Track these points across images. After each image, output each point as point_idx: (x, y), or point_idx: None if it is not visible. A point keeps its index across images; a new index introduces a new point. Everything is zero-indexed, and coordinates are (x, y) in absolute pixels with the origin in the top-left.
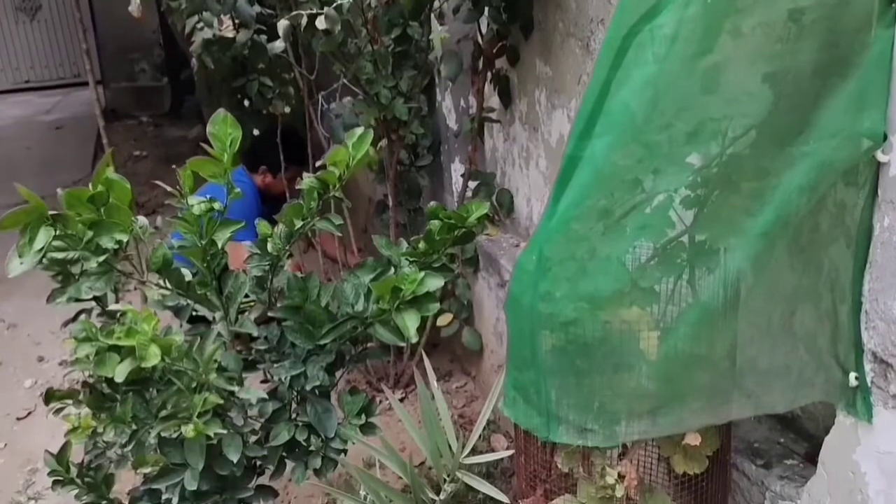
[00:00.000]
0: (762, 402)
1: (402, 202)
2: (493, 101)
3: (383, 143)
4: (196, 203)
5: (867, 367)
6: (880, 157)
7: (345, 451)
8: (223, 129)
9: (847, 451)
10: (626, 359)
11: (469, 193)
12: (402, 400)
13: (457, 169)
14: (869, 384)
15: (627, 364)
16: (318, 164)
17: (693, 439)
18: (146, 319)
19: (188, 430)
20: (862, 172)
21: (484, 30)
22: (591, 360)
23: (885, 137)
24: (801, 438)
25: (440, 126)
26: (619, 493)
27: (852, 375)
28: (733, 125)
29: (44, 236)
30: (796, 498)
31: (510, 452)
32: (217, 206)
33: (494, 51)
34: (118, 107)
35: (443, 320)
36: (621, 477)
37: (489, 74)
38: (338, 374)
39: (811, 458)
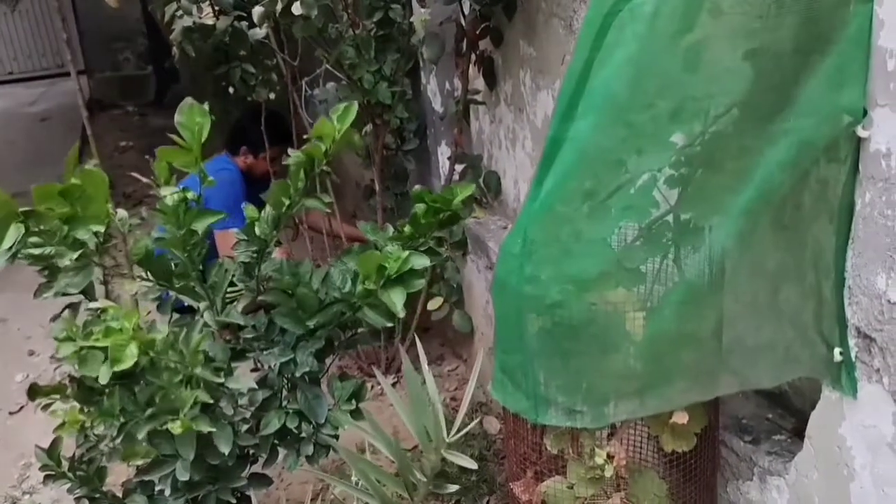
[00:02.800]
0: (748, 379)
1: (388, 186)
2: (478, 82)
3: (368, 128)
4: (170, 193)
5: (851, 342)
6: (860, 132)
7: (336, 437)
8: (191, 119)
9: (833, 426)
10: (612, 340)
11: (456, 176)
12: (394, 384)
13: (443, 152)
14: (853, 359)
15: (614, 345)
16: (305, 137)
17: (681, 418)
18: (127, 316)
19: (175, 427)
20: (843, 148)
21: (466, 11)
22: (578, 342)
23: (865, 113)
24: (788, 414)
25: (426, 109)
26: (609, 472)
27: (837, 351)
28: (715, 103)
29: (14, 233)
30: (784, 473)
31: (476, 421)
32: (191, 195)
33: (478, 32)
34: (103, 96)
35: (433, 304)
36: (610, 457)
37: (473, 56)
38: (328, 360)
39: (798, 433)
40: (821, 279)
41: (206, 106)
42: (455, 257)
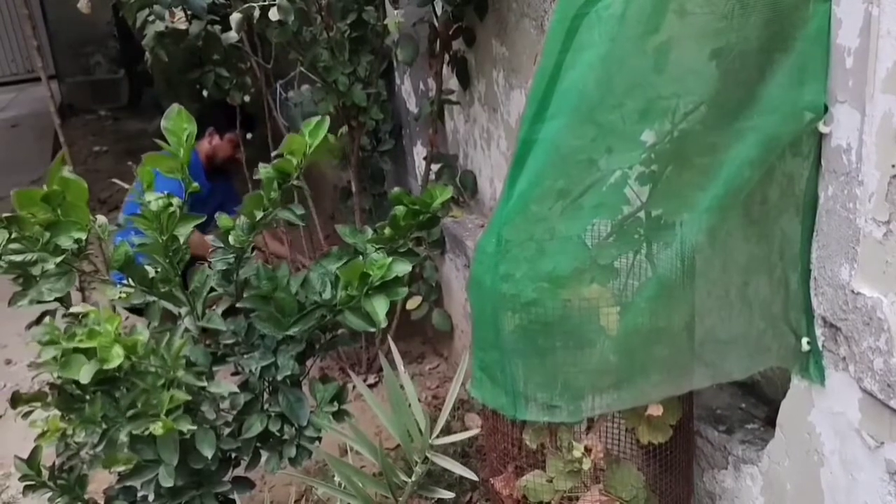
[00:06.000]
0: (720, 371)
1: (365, 188)
2: (452, 82)
3: (344, 129)
4: (153, 199)
5: (818, 331)
6: (822, 128)
7: (318, 439)
8: (178, 124)
9: (802, 414)
10: (587, 335)
11: (432, 176)
12: (375, 384)
13: (419, 152)
14: (820, 348)
15: (589, 340)
16: (274, 153)
17: (655, 410)
18: (109, 320)
19: (157, 428)
20: (806, 144)
21: (439, 12)
22: (553, 338)
23: (826, 109)
24: (761, 403)
25: (401, 110)
26: (587, 465)
27: (804, 340)
28: (683, 102)
29: None
30: (757, 461)
31: (476, 432)
32: (175, 201)
33: (450, 33)
34: (75, 101)
35: (412, 303)
36: (587, 450)
37: (447, 56)
38: (308, 362)
39: (771, 422)
40: (788, 271)
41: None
42: (433, 256)
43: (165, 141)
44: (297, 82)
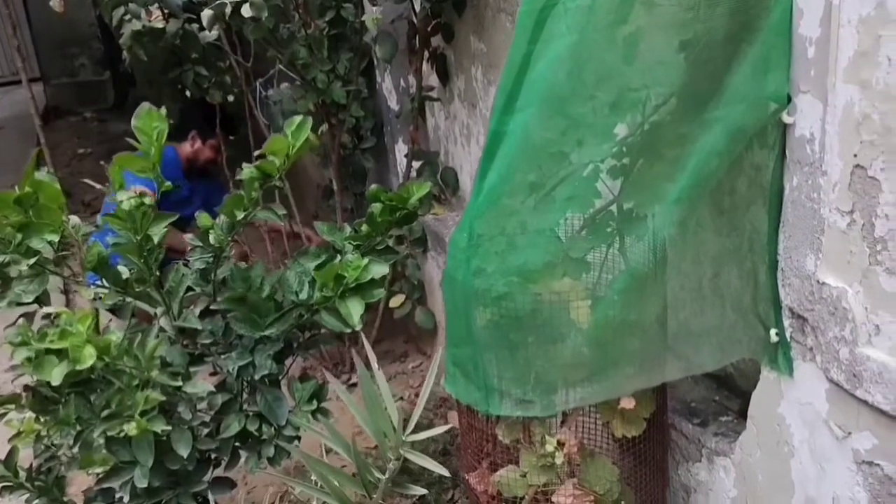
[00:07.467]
0: (692, 363)
1: (347, 186)
2: (432, 79)
3: (324, 127)
4: (125, 198)
5: (786, 322)
6: (786, 118)
7: (298, 439)
8: (148, 123)
9: (772, 405)
10: (558, 329)
11: (414, 174)
12: (357, 383)
13: (401, 150)
14: (788, 339)
15: (561, 334)
16: (256, 153)
17: (628, 403)
18: (81, 320)
19: (131, 429)
20: (771, 134)
21: (417, 8)
22: (525, 333)
23: (790, 99)
24: (735, 395)
25: (382, 107)
26: (559, 460)
27: (773, 331)
28: (654, 94)
29: None
30: (730, 453)
31: (447, 428)
32: (148, 200)
33: (429, 29)
34: (60, 103)
35: (395, 301)
36: (561, 444)
37: (426, 53)
38: (288, 361)
39: (744, 414)
40: (757, 262)
41: (163, 109)
42: (416, 254)
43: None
44: (277, 80)
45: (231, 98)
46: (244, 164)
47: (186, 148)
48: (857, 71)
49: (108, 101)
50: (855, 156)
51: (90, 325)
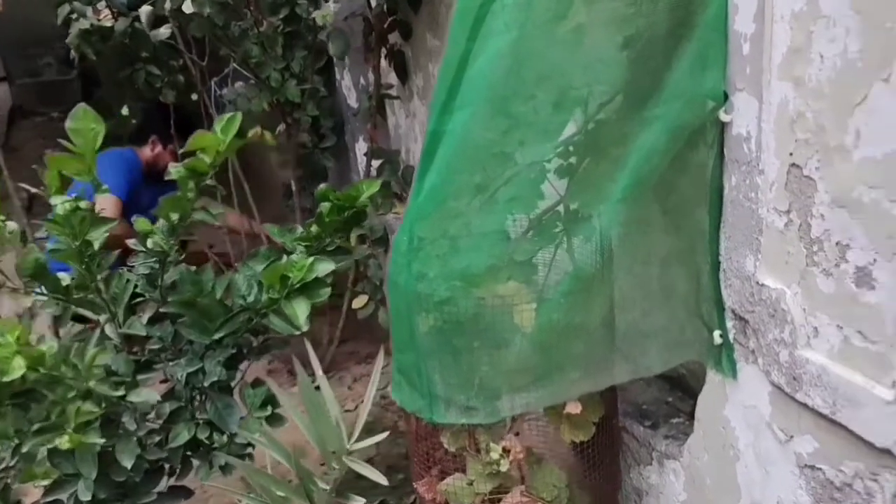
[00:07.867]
0: (640, 365)
1: (305, 186)
2: (392, 77)
3: (281, 127)
4: (61, 202)
5: (729, 324)
6: (723, 116)
7: (252, 446)
8: (85, 124)
9: (718, 408)
10: (501, 334)
11: (374, 172)
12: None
13: (361, 148)
14: (732, 341)
15: (504, 339)
16: (181, 151)
17: (574, 408)
18: (10, 330)
19: (63, 443)
20: (710, 132)
21: (373, 4)
22: (468, 338)
23: (727, 97)
24: (687, 396)
25: (342, 106)
26: (504, 467)
27: (716, 333)
28: (596, 91)
29: None
30: (679, 456)
31: (385, 435)
32: (84, 204)
33: (385, 26)
34: (25, 103)
35: (358, 302)
36: (506, 451)
37: (384, 50)
38: (242, 367)
39: (694, 416)
40: (701, 263)
41: (125, 109)
42: (377, 254)
43: (118, 142)
44: (231, 79)
45: (194, 97)
46: (171, 164)
47: (146, 153)
48: (790, 68)
49: (74, 101)
50: (791, 154)
51: (19, 334)
